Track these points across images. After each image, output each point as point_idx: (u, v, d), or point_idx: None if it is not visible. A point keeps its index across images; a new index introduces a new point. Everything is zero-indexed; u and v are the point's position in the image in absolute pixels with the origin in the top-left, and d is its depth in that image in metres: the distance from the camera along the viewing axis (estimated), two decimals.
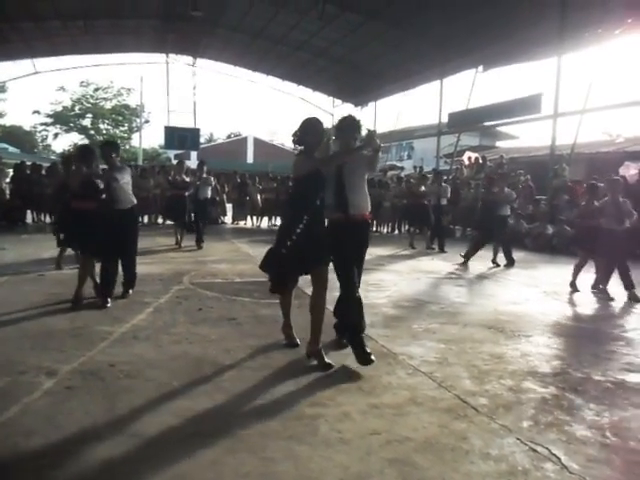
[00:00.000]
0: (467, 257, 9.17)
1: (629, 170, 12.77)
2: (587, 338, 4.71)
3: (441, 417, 2.89)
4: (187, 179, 10.08)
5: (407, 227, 14.38)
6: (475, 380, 3.50)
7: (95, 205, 5.17)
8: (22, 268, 6.98)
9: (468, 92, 17.68)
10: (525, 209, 13.44)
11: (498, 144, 26.23)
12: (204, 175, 10.43)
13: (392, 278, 7.43)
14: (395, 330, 4.68)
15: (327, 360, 3.65)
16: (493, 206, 9.24)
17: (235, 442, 2.53)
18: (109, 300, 5.14)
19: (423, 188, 11.40)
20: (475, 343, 4.37)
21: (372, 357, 3.59)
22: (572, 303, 6.34)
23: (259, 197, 16.16)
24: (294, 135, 3.79)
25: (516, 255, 9.41)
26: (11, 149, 35.57)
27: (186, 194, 9.85)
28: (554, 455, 2.49)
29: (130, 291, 5.56)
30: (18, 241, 9.92)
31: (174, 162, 29.84)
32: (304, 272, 3.77)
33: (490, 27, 14.31)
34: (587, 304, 6.29)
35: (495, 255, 9.25)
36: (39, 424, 2.62)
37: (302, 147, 3.75)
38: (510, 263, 9.14)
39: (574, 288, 6.92)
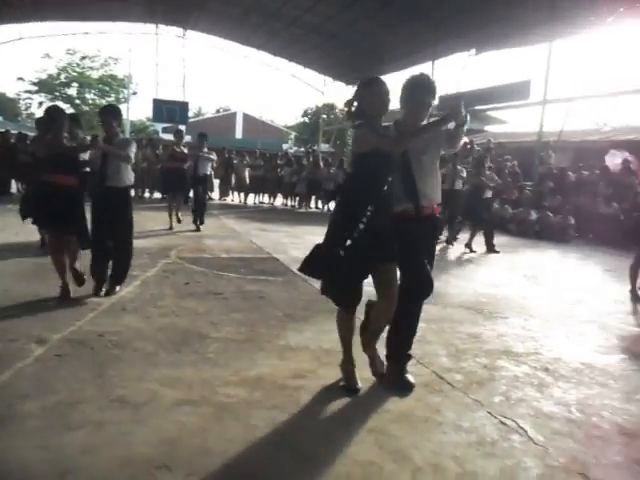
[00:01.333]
0: (469, 246, 9.01)
1: (614, 159, 12.98)
2: (561, 321, 4.89)
3: (418, 391, 3.03)
4: (185, 151, 9.41)
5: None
6: (452, 358, 3.64)
7: (74, 180, 4.38)
8: (8, 238, 6.98)
9: (459, 75, 17.70)
10: (510, 194, 13.63)
11: (487, 128, 26.33)
12: (205, 149, 9.39)
13: None
14: None
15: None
16: (480, 191, 9.34)
17: (220, 410, 2.64)
18: (102, 289, 4.57)
19: (443, 171, 11.02)
20: (454, 323, 4.52)
21: (411, 380, 3.10)
22: (551, 287, 6.52)
23: (247, 174, 16.15)
24: (348, 105, 2.97)
25: (500, 239, 9.57)
26: None
27: (185, 167, 9.20)
28: (521, 428, 2.65)
29: (117, 287, 4.70)
30: (4, 210, 9.85)
31: (162, 136, 29.49)
32: (366, 274, 2.95)
33: (484, 10, 14.28)
34: (566, 289, 6.47)
35: (471, 239, 9.08)
36: (32, 388, 2.71)
37: (360, 121, 2.93)
38: (491, 249, 9.08)
39: (635, 295, 6.04)
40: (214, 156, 9.85)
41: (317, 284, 4.39)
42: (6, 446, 2.21)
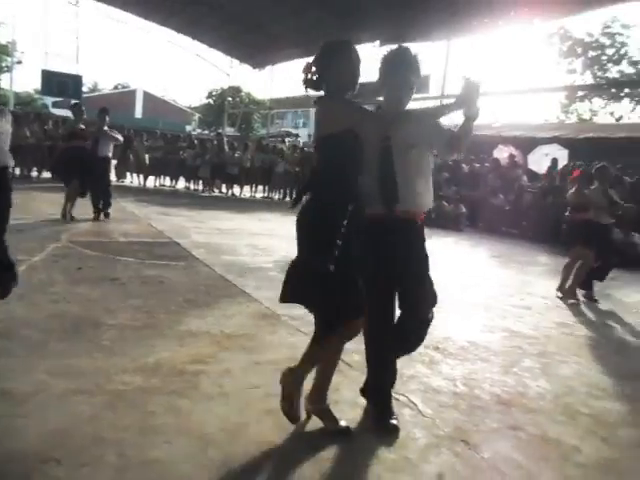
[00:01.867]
0: None
1: (502, 153, 14.01)
2: (452, 303, 5.23)
3: None
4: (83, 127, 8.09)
5: None
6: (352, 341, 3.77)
7: None
8: None
9: (365, 65, 18.09)
10: None
11: None
12: (105, 127, 8.11)
13: (280, 243, 7.60)
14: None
15: (342, 423, 2.47)
16: None
17: (115, 398, 2.56)
18: None
19: None
20: None
21: (396, 424, 2.53)
22: (444, 272, 6.93)
23: (147, 155, 15.47)
24: (307, 71, 2.40)
25: None
26: None
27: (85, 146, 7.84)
28: (412, 402, 2.84)
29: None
30: None
31: (53, 110, 27.34)
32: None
33: (389, 3, 14.70)
34: (457, 274, 6.92)
35: None
36: None
37: (322, 91, 2.42)
38: None
39: (591, 297, 6.04)
40: (120, 136, 8.60)
41: (219, 269, 4.34)
42: None
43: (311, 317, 4.08)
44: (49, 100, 31.34)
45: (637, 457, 2.57)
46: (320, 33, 18.40)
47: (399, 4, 14.56)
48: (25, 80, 79.70)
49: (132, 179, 15.87)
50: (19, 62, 39.18)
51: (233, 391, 2.77)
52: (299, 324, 3.97)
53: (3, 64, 39.64)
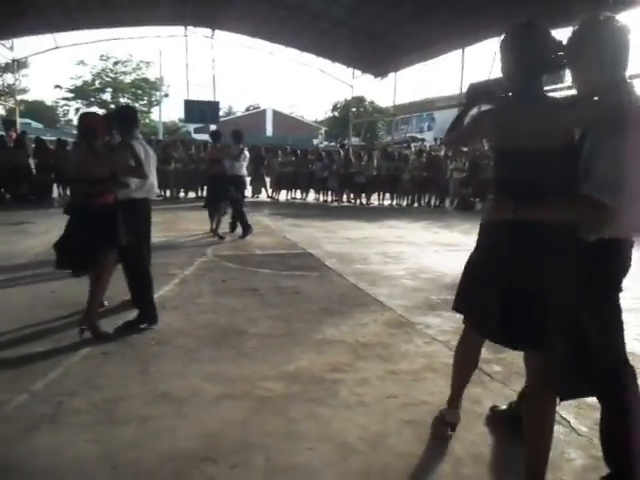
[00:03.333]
0: None
1: None
2: None
3: None
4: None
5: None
6: (490, 349, 3.57)
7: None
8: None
9: (491, 62, 17.32)
10: None
11: None
12: (241, 147, 8.37)
13: (411, 250, 7.51)
14: (413, 301, 4.79)
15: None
16: None
17: (260, 404, 2.70)
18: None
19: None
20: None
21: None
22: None
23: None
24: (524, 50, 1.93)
25: None
26: (34, 124, 36.21)
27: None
28: (564, 419, 2.61)
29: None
30: (46, 215, 10.20)
31: (194, 136, 29.85)
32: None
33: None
34: None
35: None
36: (79, 385, 2.83)
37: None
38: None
39: None
40: (247, 154, 8.71)
41: (352, 278, 4.40)
42: (58, 441, 2.31)
43: (447, 326, 4.00)
44: (191, 127, 34.40)
45: None
46: (439, 35, 18.06)
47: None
48: (170, 110, 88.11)
49: (268, 193, 16.73)
50: (166, 95, 43.59)
51: (371, 400, 2.77)
52: (435, 333, 3.88)
53: (153, 98, 44.36)
